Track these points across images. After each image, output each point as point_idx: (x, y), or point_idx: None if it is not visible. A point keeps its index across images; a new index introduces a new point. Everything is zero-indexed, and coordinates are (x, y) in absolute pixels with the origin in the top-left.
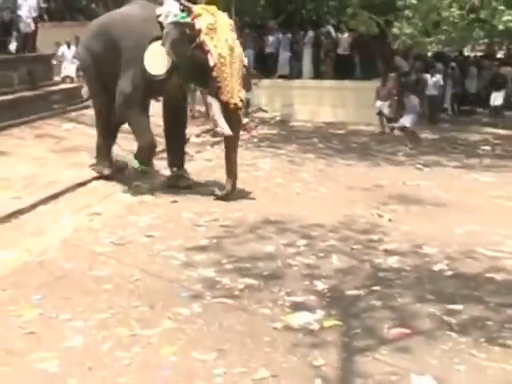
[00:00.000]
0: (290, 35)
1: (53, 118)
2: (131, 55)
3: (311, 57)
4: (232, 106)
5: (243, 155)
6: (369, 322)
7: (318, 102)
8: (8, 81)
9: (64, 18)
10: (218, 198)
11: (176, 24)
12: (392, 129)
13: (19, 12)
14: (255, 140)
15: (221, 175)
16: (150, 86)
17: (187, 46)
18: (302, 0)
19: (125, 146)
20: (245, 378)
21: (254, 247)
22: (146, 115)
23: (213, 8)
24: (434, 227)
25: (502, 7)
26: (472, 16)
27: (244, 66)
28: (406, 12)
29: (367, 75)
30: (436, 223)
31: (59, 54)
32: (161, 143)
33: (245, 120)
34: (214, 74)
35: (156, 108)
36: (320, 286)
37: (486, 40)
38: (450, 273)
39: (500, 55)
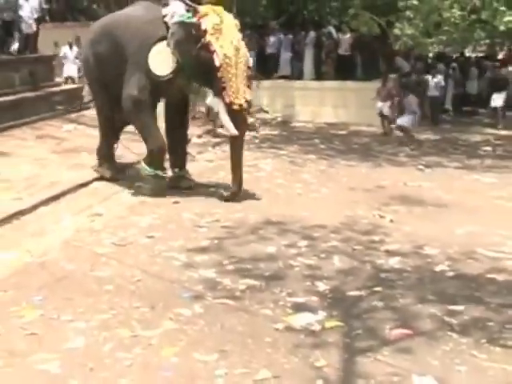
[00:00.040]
0: (291, 36)
1: (54, 118)
2: (136, 57)
3: (312, 57)
4: (236, 106)
5: (244, 156)
6: (370, 322)
7: (319, 102)
8: (9, 82)
9: (65, 18)
10: (225, 198)
11: (181, 24)
12: (391, 129)
13: (21, 13)
14: (256, 141)
15: (222, 176)
16: (155, 88)
17: (192, 45)
18: (304, 1)
19: (127, 146)
20: (246, 378)
21: (256, 248)
22: (154, 118)
23: (219, 8)
24: (436, 228)
25: (503, 8)
26: (473, 17)
27: (249, 66)
28: (408, 13)
29: (369, 76)
30: (437, 224)
31: (61, 54)
32: None
33: (250, 120)
34: (219, 74)
35: (157, 108)
36: (321, 286)
37: (487, 41)
38: (451, 273)
39: (501, 56)
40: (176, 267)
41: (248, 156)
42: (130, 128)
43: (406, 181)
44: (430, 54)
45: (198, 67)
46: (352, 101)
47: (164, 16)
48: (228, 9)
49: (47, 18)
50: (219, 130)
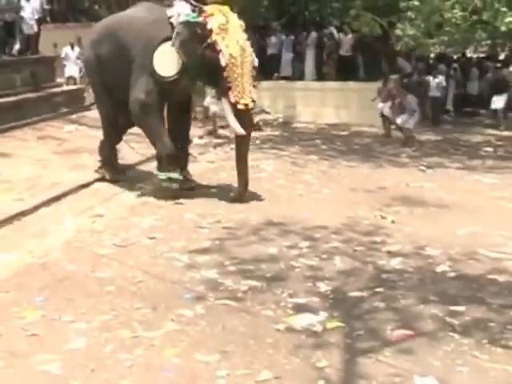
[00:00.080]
0: (292, 37)
1: (55, 119)
2: (141, 59)
3: (314, 58)
4: (242, 106)
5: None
6: (372, 323)
7: (320, 103)
8: (11, 83)
9: (67, 19)
10: (231, 199)
11: (187, 23)
12: (390, 130)
13: (22, 13)
14: (258, 142)
15: (223, 177)
16: (161, 89)
17: (197, 45)
18: (305, 1)
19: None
20: (248, 379)
21: (257, 249)
22: (163, 121)
23: (225, 8)
24: (437, 229)
25: (504, 9)
26: (474, 17)
27: (254, 66)
28: (409, 13)
29: (370, 76)
30: (439, 225)
31: (62, 55)
32: None
33: (256, 119)
34: (225, 74)
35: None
36: (323, 287)
37: (488, 41)
38: (452, 274)
39: (502, 57)
40: (177, 268)
41: (249, 157)
42: (134, 129)
43: (408, 181)
44: (432, 55)
45: (203, 67)
46: (353, 101)
47: (169, 17)
48: (230, 9)
49: (48, 18)
50: (220, 131)
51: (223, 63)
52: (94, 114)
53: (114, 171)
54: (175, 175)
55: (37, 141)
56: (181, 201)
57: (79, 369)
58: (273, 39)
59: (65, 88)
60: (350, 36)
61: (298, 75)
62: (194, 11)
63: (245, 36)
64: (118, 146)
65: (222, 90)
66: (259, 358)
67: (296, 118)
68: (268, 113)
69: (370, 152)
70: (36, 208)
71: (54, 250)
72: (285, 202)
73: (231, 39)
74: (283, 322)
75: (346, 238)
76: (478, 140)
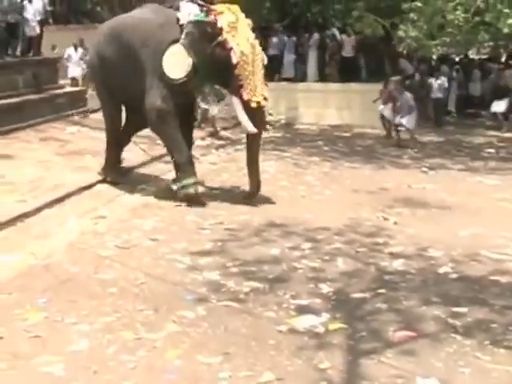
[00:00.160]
0: (294, 38)
1: (57, 121)
2: (152, 64)
3: (316, 59)
4: (254, 104)
5: None
6: (374, 324)
7: (323, 104)
8: (13, 84)
9: (69, 21)
10: (243, 200)
11: (196, 23)
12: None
13: (24, 15)
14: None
15: (226, 178)
16: (173, 92)
17: (207, 44)
18: (308, 3)
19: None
20: (250, 381)
21: (259, 250)
22: (178, 127)
23: (235, 6)
24: (439, 230)
25: (507, 10)
26: (477, 19)
27: (264, 65)
28: (411, 15)
29: (372, 78)
30: (441, 226)
31: (65, 56)
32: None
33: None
34: (237, 71)
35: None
36: (325, 288)
37: (490, 43)
38: (454, 275)
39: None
40: (180, 270)
41: None
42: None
43: (410, 183)
44: (434, 56)
45: (213, 66)
46: (356, 103)
47: (178, 19)
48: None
49: (50, 20)
50: (222, 133)
51: (234, 61)
52: (96, 115)
53: (116, 173)
54: (196, 179)
55: (39, 142)
56: (182, 202)
57: (82, 370)
58: (274, 39)
59: (67, 89)
60: (353, 37)
61: (300, 77)
62: (202, 11)
63: (253, 35)
64: (125, 148)
65: (234, 89)
66: (261, 360)
67: (298, 120)
68: (270, 114)
69: (372, 153)
70: (39, 210)
71: (57, 252)
72: (287, 204)
73: (241, 37)
74: (285, 323)
75: (348, 239)
76: (480, 141)
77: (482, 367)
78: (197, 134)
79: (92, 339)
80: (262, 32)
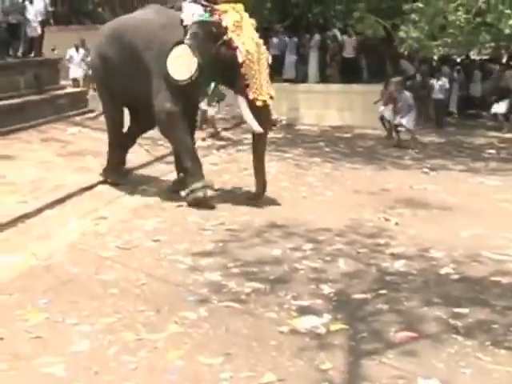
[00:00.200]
0: (296, 39)
1: (58, 121)
2: (158, 67)
3: (317, 60)
4: (260, 102)
5: (249, 159)
6: (375, 325)
7: (324, 105)
8: (14, 85)
9: (70, 21)
10: (248, 201)
11: (201, 23)
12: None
13: (26, 16)
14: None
15: (227, 179)
16: (178, 93)
17: (212, 44)
18: (309, 4)
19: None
20: (251, 382)
21: (261, 251)
22: (187, 129)
23: (239, 6)
24: (441, 231)
25: (508, 11)
26: (478, 20)
27: (269, 64)
28: (413, 16)
29: (374, 78)
30: (442, 227)
31: (67, 57)
32: (168, 147)
33: (274, 116)
34: (243, 70)
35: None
36: (326, 289)
37: (492, 44)
38: (456, 276)
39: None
40: (181, 270)
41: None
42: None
43: (411, 184)
44: (435, 57)
45: (218, 65)
46: (357, 104)
47: (182, 21)
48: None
49: (52, 21)
50: (223, 133)
51: (240, 60)
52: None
53: (117, 174)
54: (205, 181)
55: (40, 143)
56: (183, 203)
57: (83, 371)
58: (275, 40)
59: (68, 90)
60: (354, 38)
61: (301, 77)
62: (205, 11)
63: (256, 34)
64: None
65: (239, 88)
66: (263, 361)
67: (299, 121)
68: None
69: (374, 154)
70: (40, 210)
71: (58, 253)
72: (288, 205)
73: (246, 36)
74: (287, 324)
75: (349, 240)
76: (481, 142)
77: (483, 368)
78: (197, 134)
79: (93, 340)
80: (263, 33)
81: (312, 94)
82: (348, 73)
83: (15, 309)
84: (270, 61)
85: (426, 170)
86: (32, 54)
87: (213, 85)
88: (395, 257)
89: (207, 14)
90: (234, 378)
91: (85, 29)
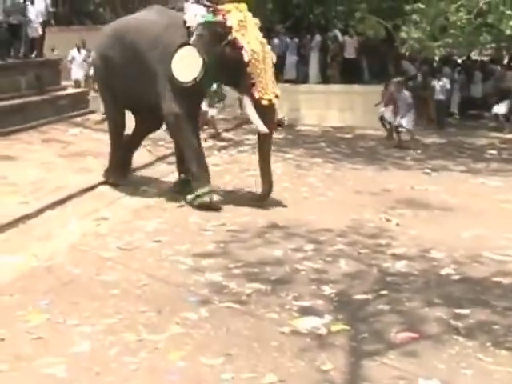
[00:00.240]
0: (297, 39)
1: (60, 122)
2: (162, 68)
3: (318, 61)
4: (266, 101)
5: (251, 159)
6: (376, 326)
7: (325, 106)
8: (16, 85)
9: (71, 22)
10: (256, 201)
11: (206, 24)
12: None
13: (27, 16)
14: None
15: (228, 180)
16: (185, 95)
17: (217, 44)
18: (310, 5)
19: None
20: (253, 382)
21: (262, 252)
22: (194, 131)
23: (242, 5)
24: (442, 232)
25: (509, 12)
26: (479, 20)
27: (273, 63)
28: (414, 16)
29: (375, 79)
30: (443, 227)
31: (69, 58)
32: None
33: (280, 116)
34: (248, 70)
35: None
36: (328, 290)
37: (493, 45)
38: (457, 277)
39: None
40: (182, 271)
41: (254, 159)
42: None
43: (413, 184)
44: (436, 58)
45: (223, 65)
46: (358, 104)
47: (185, 22)
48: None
49: (53, 21)
50: (224, 134)
51: (246, 59)
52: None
53: (118, 175)
54: (209, 188)
55: (41, 144)
56: (184, 204)
57: (84, 372)
58: (276, 41)
59: (69, 91)
60: (355, 39)
61: (302, 78)
62: (208, 12)
63: (260, 34)
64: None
65: (245, 88)
66: (264, 361)
67: (300, 121)
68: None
69: (375, 155)
70: (41, 211)
71: (59, 253)
72: (289, 205)
73: (251, 35)
74: (288, 324)
75: (350, 240)
76: (482, 143)
77: (484, 369)
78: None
79: (94, 341)
80: (264, 33)
81: (313, 94)
82: (349, 73)
83: (16, 310)
84: (275, 60)
85: (427, 170)
86: (33, 55)
87: (215, 86)
88: (396, 257)
89: (210, 15)
90: (235, 379)
91: (86, 29)
